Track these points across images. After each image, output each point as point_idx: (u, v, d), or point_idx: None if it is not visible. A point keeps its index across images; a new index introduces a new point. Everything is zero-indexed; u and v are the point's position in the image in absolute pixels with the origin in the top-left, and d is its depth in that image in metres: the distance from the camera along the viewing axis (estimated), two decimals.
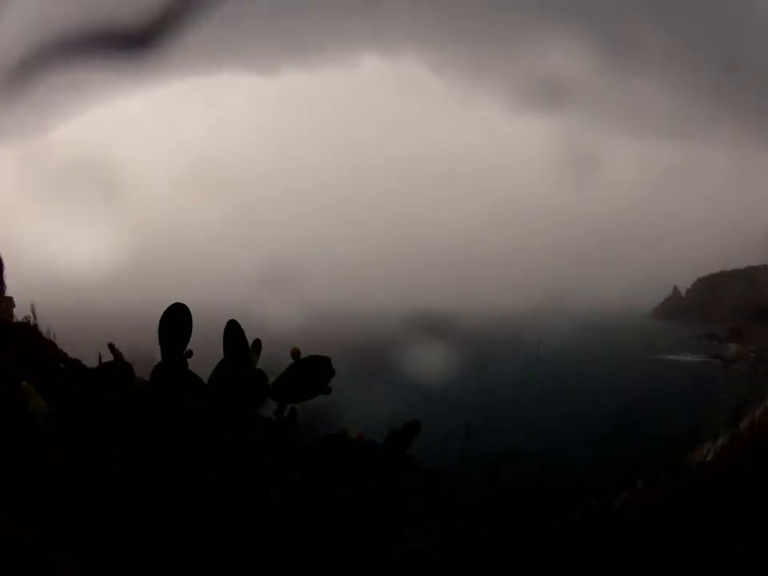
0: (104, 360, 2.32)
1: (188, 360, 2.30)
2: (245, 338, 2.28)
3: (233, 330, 2.27)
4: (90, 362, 2.47)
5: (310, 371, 2.32)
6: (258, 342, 2.34)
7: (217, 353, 2.26)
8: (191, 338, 2.28)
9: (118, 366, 2.28)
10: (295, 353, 2.33)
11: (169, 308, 2.26)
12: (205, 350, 2.43)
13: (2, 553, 1.85)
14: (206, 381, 2.28)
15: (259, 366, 2.32)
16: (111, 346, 2.29)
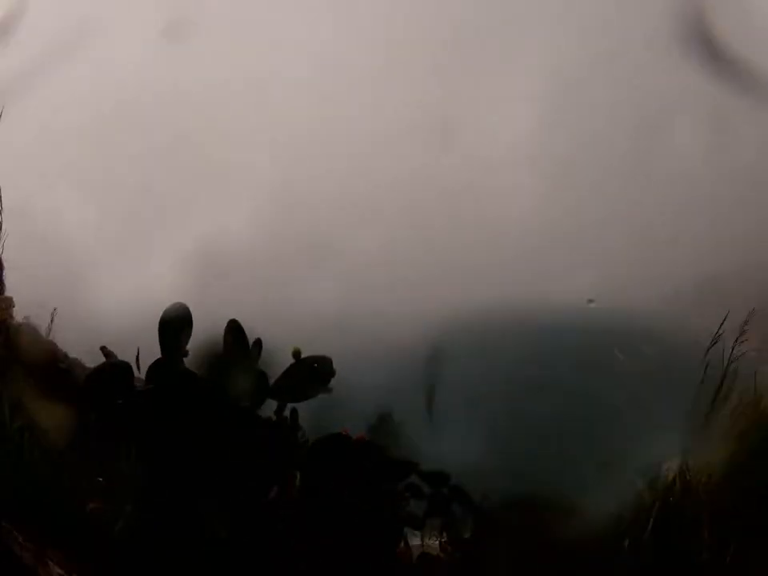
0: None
1: None
2: (245, 337, 2.27)
3: (233, 329, 2.26)
4: None
5: (311, 371, 2.32)
6: (258, 342, 2.33)
7: None
8: None
9: (116, 366, 2.27)
10: (296, 353, 2.32)
11: (169, 307, 2.25)
12: None
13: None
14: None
15: None
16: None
